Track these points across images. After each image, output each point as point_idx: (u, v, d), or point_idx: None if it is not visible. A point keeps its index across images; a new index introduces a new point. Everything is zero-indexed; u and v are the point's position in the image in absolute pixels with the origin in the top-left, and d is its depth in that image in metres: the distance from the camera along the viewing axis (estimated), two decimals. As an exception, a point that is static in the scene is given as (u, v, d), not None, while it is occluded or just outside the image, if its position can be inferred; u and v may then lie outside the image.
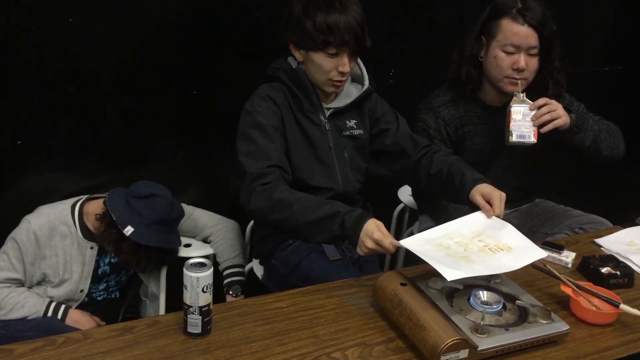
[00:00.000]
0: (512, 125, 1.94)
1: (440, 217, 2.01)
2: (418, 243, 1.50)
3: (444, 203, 2.08)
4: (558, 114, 1.94)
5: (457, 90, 2.12)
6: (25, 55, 2.05)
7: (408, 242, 1.49)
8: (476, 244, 1.54)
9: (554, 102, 1.96)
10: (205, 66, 2.34)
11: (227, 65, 2.36)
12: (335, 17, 1.72)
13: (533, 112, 1.94)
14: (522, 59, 1.97)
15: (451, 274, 1.34)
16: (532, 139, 1.94)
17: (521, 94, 1.98)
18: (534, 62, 2.00)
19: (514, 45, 1.97)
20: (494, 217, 1.61)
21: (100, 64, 2.17)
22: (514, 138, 1.94)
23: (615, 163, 2.18)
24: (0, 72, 2.03)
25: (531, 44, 1.97)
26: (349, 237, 1.52)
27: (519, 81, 1.99)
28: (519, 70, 1.98)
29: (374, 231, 1.48)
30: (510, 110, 1.96)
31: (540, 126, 1.94)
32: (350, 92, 1.94)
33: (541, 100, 1.95)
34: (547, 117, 1.93)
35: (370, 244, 1.48)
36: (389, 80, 2.71)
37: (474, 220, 1.61)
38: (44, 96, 2.12)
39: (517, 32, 1.96)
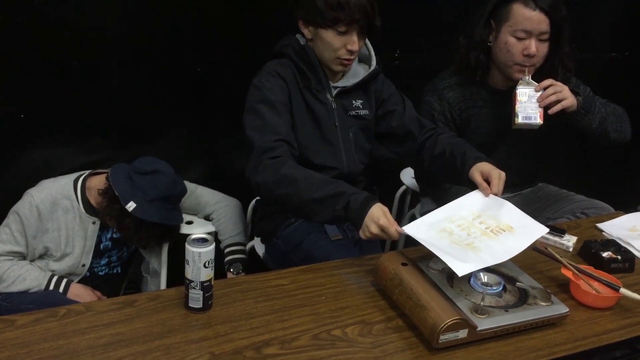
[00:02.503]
0: (518, 107, 1.93)
1: (442, 199, 2.00)
2: (421, 229, 1.50)
3: (446, 185, 2.08)
4: (564, 95, 1.93)
5: (465, 75, 2.10)
6: (30, 30, 2.04)
7: (412, 230, 1.49)
8: (478, 226, 1.54)
9: (559, 83, 1.94)
10: (211, 44, 2.33)
11: (232, 42, 2.35)
12: None
13: (539, 94, 1.93)
14: (533, 45, 1.95)
15: (462, 268, 1.34)
16: (538, 120, 1.93)
17: (527, 77, 1.97)
18: (544, 48, 1.98)
19: (525, 31, 1.94)
20: (492, 196, 1.60)
21: (105, 41, 2.17)
22: (520, 120, 1.93)
23: (620, 148, 2.18)
24: (5, 46, 2.02)
25: (542, 29, 1.94)
26: (351, 219, 1.52)
27: (527, 68, 1.98)
28: (530, 56, 1.96)
29: (380, 217, 1.47)
30: (515, 93, 1.94)
31: (546, 107, 1.93)
32: (358, 72, 1.93)
33: (547, 82, 1.94)
34: (553, 98, 1.92)
35: (374, 230, 1.47)
36: (394, 62, 2.70)
37: (473, 200, 1.61)
38: (48, 71, 2.11)
39: (528, 17, 1.93)
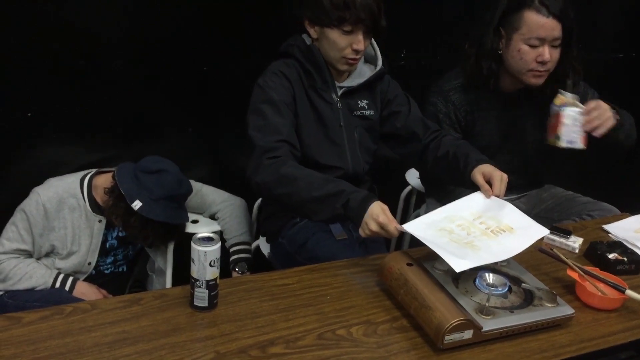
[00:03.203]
0: (562, 130, 1.89)
1: (447, 200, 1.99)
2: (421, 227, 1.50)
3: (450, 186, 2.07)
4: (607, 116, 1.89)
5: (478, 83, 2.05)
6: (37, 28, 2.04)
7: (411, 227, 1.49)
8: (478, 226, 1.54)
9: (602, 104, 1.90)
10: (216, 43, 2.33)
11: (238, 42, 2.35)
12: None
13: (583, 117, 1.89)
14: (546, 52, 1.91)
15: (459, 264, 1.34)
16: (580, 145, 1.89)
17: (569, 94, 1.92)
18: (557, 53, 1.95)
19: (539, 38, 1.90)
20: (493, 197, 1.61)
21: (111, 39, 2.17)
22: (563, 144, 1.89)
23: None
24: (12, 44, 2.03)
25: (556, 35, 1.91)
26: (351, 217, 1.52)
27: (543, 73, 1.95)
28: (543, 63, 1.93)
29: (379, 214, 1.47)
30: (560, 114, 1.89)
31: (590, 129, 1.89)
32: (363, 72, 1.94)
33: (592, 104, 1.90)
34: (597, 122, 1.88)
35: (374, 227, 1.47)
36: (400, 62, 2.69)
37: (474, 201, 1.61)
38: (55, 69, 2.12)
39: (542, 24, 1.89)
